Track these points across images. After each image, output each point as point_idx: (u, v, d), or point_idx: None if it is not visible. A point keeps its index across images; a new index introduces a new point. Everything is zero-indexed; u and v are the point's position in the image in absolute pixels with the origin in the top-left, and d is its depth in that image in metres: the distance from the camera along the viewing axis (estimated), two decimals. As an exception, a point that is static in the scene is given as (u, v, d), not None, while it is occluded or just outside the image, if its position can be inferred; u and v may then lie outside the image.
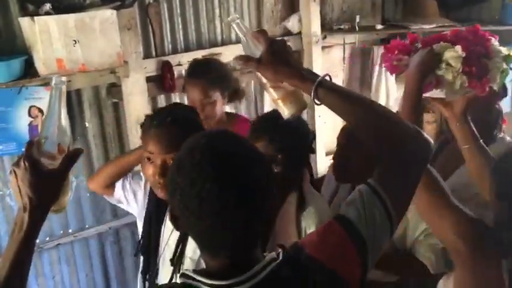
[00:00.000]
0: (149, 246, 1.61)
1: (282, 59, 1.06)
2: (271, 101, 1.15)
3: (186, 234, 1.38)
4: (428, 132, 3.50)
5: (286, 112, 1.12)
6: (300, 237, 1.58)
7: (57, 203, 1.47)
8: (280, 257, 0.96)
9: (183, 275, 0.96)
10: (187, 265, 1.45)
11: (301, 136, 1.62)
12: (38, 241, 2.68)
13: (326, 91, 1.03)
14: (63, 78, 1.06)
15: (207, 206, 0.88)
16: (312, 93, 1.03)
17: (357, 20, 3.36)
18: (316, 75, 1.06)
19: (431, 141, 1.04)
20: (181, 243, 1.47)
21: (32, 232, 1.00)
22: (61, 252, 2.83)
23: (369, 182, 1.01)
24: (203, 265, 1.00)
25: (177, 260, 1.47)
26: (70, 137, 1.07)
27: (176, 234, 1.50)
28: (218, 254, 0.94)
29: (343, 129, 1.77)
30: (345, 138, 1.71)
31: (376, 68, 3.59)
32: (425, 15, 3.44)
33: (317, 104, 1.05)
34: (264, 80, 1.11)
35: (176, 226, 0.95)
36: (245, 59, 1.09)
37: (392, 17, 3.78)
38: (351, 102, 1.05)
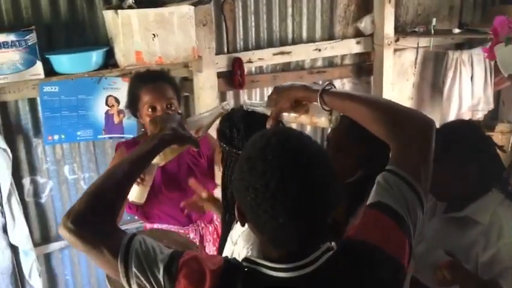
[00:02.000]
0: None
1: (286, 89, 1.27)
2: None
3: None
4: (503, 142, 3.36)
5: (324, 125, 1.30)
6: None
7: (137, 195, 1.56)
8: (334, 247, 1.00)
9: (246, 260, 1.00)
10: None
11: None
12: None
13: (330, 96, 1.18)
14: (228, 107, 1.43)
15: (281, 205, 0.90)
16: (318, 100, 1.19)
17: (433, 23, 3.25)
18: (321, 86, 1.21)
19: (431, 118, 1.13)
20: None
21: (153, 150, 1.20)
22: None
23: (387, 168, 1.08)
24: None
25: None
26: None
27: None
28: (284, 247, 0.97)
29: (333, 130, 1.68)
30: (336, 136, 1.63)
31: (450, 73, 3.46)
32: (507, 21, 3.27)
33: (325, 110, 1.21)
34: (293, 115, 1.29)
35: (242, 221, 0.99)
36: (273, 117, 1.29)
37: (471, 22, 3.63)
38: (353, 101, 1.17)
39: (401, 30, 3.43)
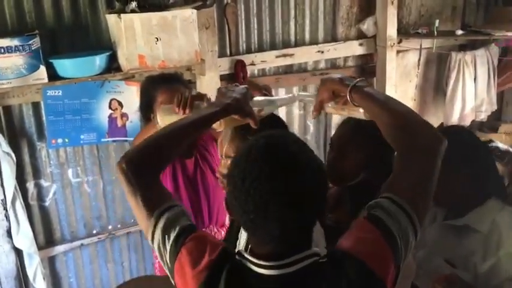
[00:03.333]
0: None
1: (325, 80, 1.31)
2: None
3: None
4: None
5: (361, 117, 1.29)
6: None
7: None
8: (321, 254, 1.02)
9: (238, 254, 1.05)
10: None
11: None
12: (110, 227, 2.85)
13: (356, 93, 1.20)
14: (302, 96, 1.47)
15: (252, 202, 0.96)
16: (348, 95, 1.21)
17: (436, 24, 3.24)
18: (354, 80, 1.23)
19: (443, 137, 1.12)
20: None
21: (213, 115, 1.23)
22: (131, 240, 2.96)
23: (386, 196, 1.06)
24: None
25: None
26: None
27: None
28: (263, 243, 1.02)
29: (336, 132, 1.69)
30: (339, 138, 1.63)
31: (453, 74, 3.46)
32: (510, 22, 3.27)
33: (355, 105, 1.22)
34: (332, 106, 1.32)
35: (229, 214, 1.05)
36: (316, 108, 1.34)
37: (473, 23, 3.62)
38: (374, 101, 1.18)
39: (404, 32, 3.42)
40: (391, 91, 3.38)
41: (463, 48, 3.62)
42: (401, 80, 3.53)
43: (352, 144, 1.50)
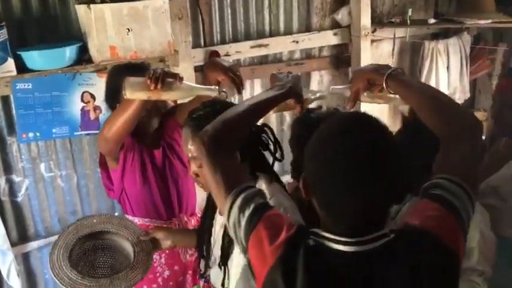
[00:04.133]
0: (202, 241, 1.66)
1: (359, 71, 1.41)
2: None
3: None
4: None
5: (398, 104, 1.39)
6: None
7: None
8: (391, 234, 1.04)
9: (313, 233, 1.06)
10: (237, 260, 1.42)
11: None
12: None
13: (392, 81, 1.26)
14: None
15: (343, 176, 0.99)
16: (384, 84, 1.27)
17: (409, 13, 3.27)
18: (389, 69, 1.28)
19: (480, 120, 1.17)
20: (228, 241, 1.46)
21: (277, 97, 1.32)
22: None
23: (442, 176, 1.09)
24: None
25: (223, 262, 1.49)
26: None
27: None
28: (342, 222, 1.03)
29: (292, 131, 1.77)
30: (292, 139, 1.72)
31: (426, 63, 3.50)
32: (481, 10, 3.30)
33: (390, 93, 1.28)
34: (368, 95, 1.37)
35: (306, 194, 1.05)
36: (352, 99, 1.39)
37: (446, 12, 3.66)
38: (410, 89, 1.24)
39: (378, 21, 3.44)
40: (366, 80, 3.40)
41: (435, 37, 3.65)
42: (376, 70, 3.55)
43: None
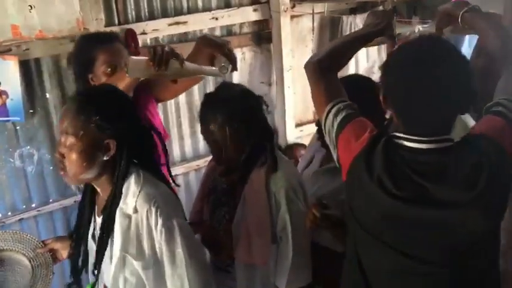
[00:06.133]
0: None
1: (442, 9, 1.62)
2: None
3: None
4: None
5: None
6: (269, 202, 1.64)
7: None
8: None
9: (391, 135, 1.30)
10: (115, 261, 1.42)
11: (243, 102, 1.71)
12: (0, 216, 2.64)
13: (469, 15, 1.48)
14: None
15: (422, 84, 1.20)
16: (459, 19, 1.50)
17: (327, -12, 3.31)
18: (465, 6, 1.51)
19: None
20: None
21: (374, 35, 1.61)
22: (24, 226, 2.75)
23: (502, 98, 1.33)
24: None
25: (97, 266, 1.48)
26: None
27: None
28: (416, 125, 1.26)
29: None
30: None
31: (346, 38, 3.56)
32: (395, -17, 3.41)
33: (464, 27, 1.53)
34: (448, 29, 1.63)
35: (385, 105, 1.33)
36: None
37: (362, -14, 3.74)
38: (486, 26, 1.45)
39: (297, -3, 3.45)
40: (288, 56, 3.42)
41: (353, 11, 3.72)
42: (297, 45, 3.57)
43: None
